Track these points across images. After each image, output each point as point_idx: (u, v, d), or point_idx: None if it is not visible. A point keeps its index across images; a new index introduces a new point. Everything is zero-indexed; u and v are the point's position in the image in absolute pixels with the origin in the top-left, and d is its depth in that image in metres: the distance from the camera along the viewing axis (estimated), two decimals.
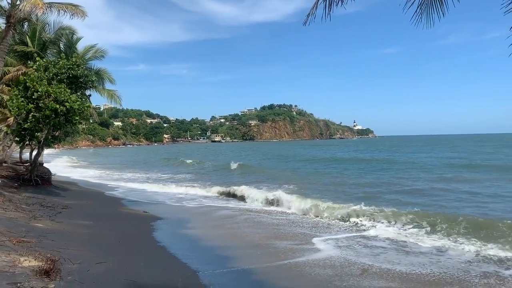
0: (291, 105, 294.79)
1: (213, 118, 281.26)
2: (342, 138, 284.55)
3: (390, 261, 10.26)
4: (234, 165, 41.62)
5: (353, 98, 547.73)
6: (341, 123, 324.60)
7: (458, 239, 12.07)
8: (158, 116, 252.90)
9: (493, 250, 10.72)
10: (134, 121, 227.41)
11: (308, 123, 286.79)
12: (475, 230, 12.47)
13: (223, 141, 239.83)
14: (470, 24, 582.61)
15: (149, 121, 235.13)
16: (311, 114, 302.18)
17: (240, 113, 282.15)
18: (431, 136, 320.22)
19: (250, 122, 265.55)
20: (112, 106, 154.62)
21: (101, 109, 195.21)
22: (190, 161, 53.79)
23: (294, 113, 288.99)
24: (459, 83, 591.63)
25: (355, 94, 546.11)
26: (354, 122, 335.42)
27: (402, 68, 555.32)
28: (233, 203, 20.23)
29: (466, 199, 19.32)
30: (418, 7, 4.63)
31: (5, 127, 22.35)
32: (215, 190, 24.48)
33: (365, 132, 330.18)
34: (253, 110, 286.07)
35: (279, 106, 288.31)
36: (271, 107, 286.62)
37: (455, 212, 15.45)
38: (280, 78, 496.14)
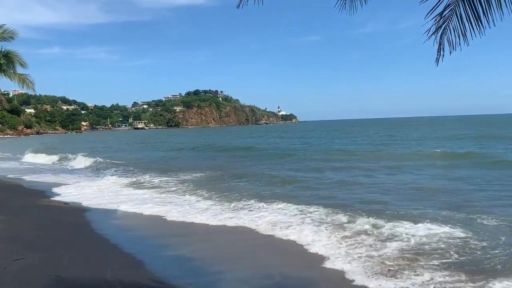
0: (217, 91, 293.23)
1: (135, 104, 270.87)
2: (267, 123, 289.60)
3: None
4: None
5: (278, 84, 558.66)
6: (266, 108, 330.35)
7: None
8: (75, 102, 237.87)
9: None
10: (48, 108, 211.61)
11: (234, 109, 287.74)
12: None
13: (147, 128, 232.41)
14: (387, 13, 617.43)
15: (65, 107, 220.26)
16: (237, 100, 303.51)
17: (164, 99, 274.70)
18: (351, 121, 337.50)
19: (175, 108, 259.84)
20: (23, 91, 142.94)
21: (10, 95, 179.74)
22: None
23: (220, 99, 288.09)
24: (379, 70, 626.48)
25: (279, 80, 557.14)
26: (279, 107, 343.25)
27: (324, 56, 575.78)
28: None
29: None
30: None
31: None
32: None
33: (289, 117, 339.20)
34: (178, 96, 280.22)
35: (205, 91, 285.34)
36: (196, 92, 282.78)
37: None
38: (205, 64, 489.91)
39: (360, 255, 8.74)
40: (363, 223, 11.09)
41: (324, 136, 77.11)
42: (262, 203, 14.56)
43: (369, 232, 10.33)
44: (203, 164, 31.97)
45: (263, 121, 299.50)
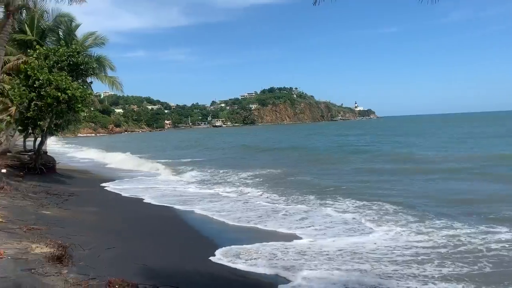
0: (291, 88, 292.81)
1: (213, 103, 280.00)
2: (343, 120, 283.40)
3: None
4: None
5: (354, 79, 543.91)
6: (342, 104, 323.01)
7: None
8: (158, 102, 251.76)
9: None
10: (135, 108, 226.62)
11: (309, 106, 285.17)
12: None
13: (224, 125, 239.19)
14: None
15: (150, 107, 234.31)
16: (311, 96, 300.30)
17: (240, 97, 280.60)
18: (433, 116, 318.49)
19: (250, 106, 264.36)
20: (113, 93, 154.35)
21: (102, 97, 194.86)
22: None
23: (295, 96, 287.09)
24: (464, 61, 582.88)
25: (356, 75, 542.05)
26: (356, 103, 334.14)
27: (404, 48, 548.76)
28: None
29: None
30: None
31: (7, 117, 22.33)
32: None
33: (366, 113, 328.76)
34: (253, 94, 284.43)
35: (279, 89, 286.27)
36: (271, 90, 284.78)
37: None
38: (280, 61, 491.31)
39: None
40: None
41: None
42: None
43: None
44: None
45: (339, 117, 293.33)
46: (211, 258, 8.99)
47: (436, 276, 7.93)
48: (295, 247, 9.87)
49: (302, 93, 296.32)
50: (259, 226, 12.31)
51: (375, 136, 68.31)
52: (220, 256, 9.12)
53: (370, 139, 59.32)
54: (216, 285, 7.65)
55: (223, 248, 9.72)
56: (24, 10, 21.55)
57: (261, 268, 8.41)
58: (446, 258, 8.86)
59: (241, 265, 8.58)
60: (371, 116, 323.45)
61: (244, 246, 9.92)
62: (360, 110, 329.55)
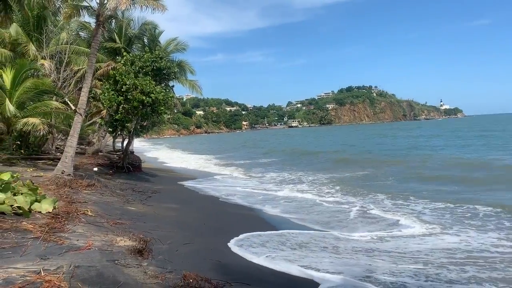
0: (370, 87, 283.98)
1: (289, 103, 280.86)
2: (427, 119, 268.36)
3: None
4: None
5: (440, 76, 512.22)
6: (426, 103, 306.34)
7: None
8: (236, 104, 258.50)
9: None
10: (214, 109, 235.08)
11: (389, 105, 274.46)
12: None
13: (300, 126, 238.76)
14: None
15: (228, 109, 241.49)
16: (393, 94, 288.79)
17: (316, 97, 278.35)
18: None
19: (327, 106, 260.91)
20: (194, 96, 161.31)
21: (184, 99, 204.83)
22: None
23: (374, 94, 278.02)
24: None
25: (441, 72, 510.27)
26: (441, 101, 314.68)
27: (496, 40, 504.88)
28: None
29: None
30: None
31: (100, 119, 24.28)
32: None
33: (453, 111, 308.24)
34: (330, 94, 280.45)
35: (358, 88, 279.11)
36: (349, 89, 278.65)
37: None
38: (359, 59, 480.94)
39: None
40: None
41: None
42: None
43: None
44: None
45: (423, 116, 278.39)
46: None
47: None
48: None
49: (383, 91, 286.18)
50: (334, 229, 12.05)
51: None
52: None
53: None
54: (290, 285, 7.61)
55: None
56: (113, 20, 23.24)
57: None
58: None
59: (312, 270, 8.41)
60: (458, 115, 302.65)
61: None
62: (445, 108, 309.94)
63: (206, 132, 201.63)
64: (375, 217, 13.55)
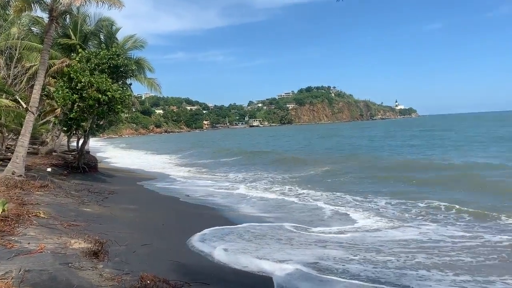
0: (329, 87, 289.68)
1: (250, 103, 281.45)
2: (383, 118, 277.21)
3: None
4: None
5: (395, 77, 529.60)
6: (382, 103, 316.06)
7: None
8: (197, 103, 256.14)
9: None
10: (174, 108, 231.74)
11: (347, 105, 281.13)
12: None
13: (261, 125, 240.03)
14: None
15: (189, 108, 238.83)
16: (350, 95, 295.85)
17: (277, 97, 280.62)
18: (480, 114, 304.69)
19: (287, 105, 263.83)
20: (153, 94, 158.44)
21: (143, 98, 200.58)
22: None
23: (333, 94, 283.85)
24: None
25: (397, 73, 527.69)
26: (396, 101, 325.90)
27: (447, 44, 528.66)
28: None
29: None
30: None
31: (53, 118, 23.40)
32: None
33: (407, 111, 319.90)
34: (291, 94, 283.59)
35: (317, 88, 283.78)
36: (308, 89, 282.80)
37: None
38: (318, 60, 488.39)
39: None
40: None
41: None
42: None
43: None
44: None
45: (379, 116, 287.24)
46: None
47: None
48: None
49: (341, 92, 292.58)
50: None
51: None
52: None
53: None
54: (243, 283, 7.67)
55: None
56: (68, 16, 22.42)
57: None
58: None
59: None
60: (412, 115, 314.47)
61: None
62: (400, 108, 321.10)
63: (166, 132, 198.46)
64: (335, 212, 13.99)
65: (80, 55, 21.13)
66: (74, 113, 19.81)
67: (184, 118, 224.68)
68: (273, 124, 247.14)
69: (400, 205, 14.58)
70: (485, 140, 44.59)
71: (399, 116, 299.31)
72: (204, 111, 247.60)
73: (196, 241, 9.99)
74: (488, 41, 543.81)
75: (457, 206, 13.55)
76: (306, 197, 16.99)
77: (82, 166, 21.71)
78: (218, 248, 9.36)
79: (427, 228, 11.44)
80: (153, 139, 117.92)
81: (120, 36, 28.69)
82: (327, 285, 7.39)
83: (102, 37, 27.82)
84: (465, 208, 13.20)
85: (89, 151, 26.10)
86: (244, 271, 8.03)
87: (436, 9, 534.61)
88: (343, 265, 8.39)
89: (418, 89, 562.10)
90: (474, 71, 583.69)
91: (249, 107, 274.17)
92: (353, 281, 7.48)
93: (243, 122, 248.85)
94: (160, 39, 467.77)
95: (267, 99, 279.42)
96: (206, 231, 11.03)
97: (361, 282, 7.45)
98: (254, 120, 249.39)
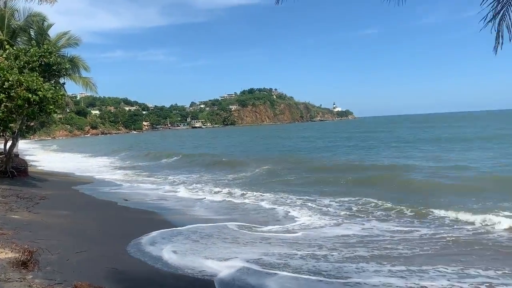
0: (271, 89, 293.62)
1: (192, 104, 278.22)
2: (322, 120, 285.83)
3: None
4: None
5: (333, 80, 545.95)
6: (321, 105, 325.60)
7: None
8: (136, 103, 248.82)
9: None
10: (112, 109, 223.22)
11: (288, 107, 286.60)
12: None
13: (204, 126, 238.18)
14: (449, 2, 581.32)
15: (127, 108, 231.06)
16: (291, 97, 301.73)
17: (220, 98, 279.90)
18: (411, 116, 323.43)
19: (230, 107, 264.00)
20: (89, 94, 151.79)
21: (78, 98, 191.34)
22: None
23: (275, 96, 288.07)
24: (441, 62, 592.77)
25: (335, 76, 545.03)
26: (334, 104, 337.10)
27: (383, 49, 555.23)
28: None
29: None
30: None
31: None
32: None
33: (344, 113, 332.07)
34: (233, 95, 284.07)
35: (259, 90, 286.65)
36: (251, 91, 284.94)
37: None
38: (260, 62, 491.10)
39: None
40: None
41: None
42: None
43: None
44: None
45: (318, 118, 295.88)
46: None
47: None
48: None
49: (282, 94, 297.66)
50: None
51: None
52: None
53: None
54: (180, 286, 7.61)
55: None
56: None
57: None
58: None
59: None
60: (349, 117, 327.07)
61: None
62: (338, 110, 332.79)
63: (102, 133, 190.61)
64: (279, 211, 14.37)
65: (7, 51, 19.78)
66: (1, 114, 18.48)
67: (122, 119, 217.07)
68: (216, 126, 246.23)
69: (342, 203, 15.21)
70: (413, 141, 47.79)
71: (336, 118, 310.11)
72: (144, 112, 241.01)
73: (136, 246, 9.75)
74: (417, 47, 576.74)
75: (389, 204, 14.35)
76: (250, 197, 17.17)
77: (11, 170, 20.30)
78: (161, 251, 9.25)
79: (367, 224, 12.08)
80: (89, 141, 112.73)
81: (53, 32, 27.28)
82: (267, 277, 7.68)
83: (32, 33, 26.29)
84: (401, 206, 13.94)
85: (18, 154, 24.46)
86: (184, 275, 7.95)
87: (372, 16, 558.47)
88: (285, 260, 8.71)
89: (354, 92, 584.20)
90: (406, 75, 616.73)
91: (191, 108, 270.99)
92: (295, 274, 7.82)
93: (185, 123, 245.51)
94: (98, 37, 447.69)
95: (209, 100, 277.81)
96: (146, 235, 10.78)
97: (302, 275, 7.79)
98: (196, 121, 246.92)
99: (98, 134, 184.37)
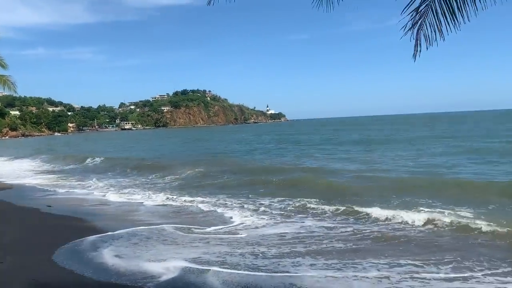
0: (205, 91, 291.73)
1: (122, 105, 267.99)
2: (256, 122, 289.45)
3: None
4: None
5: (267, 83, 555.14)
6: (255, 107, 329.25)
7: None
8: (61, 103, 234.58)
9: None
10: (34, 109, 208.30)
11: (222, 109, 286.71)
12: None
13: (134, 128, 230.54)
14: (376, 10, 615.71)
15: (51, 109, 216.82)
16: (225, 99, 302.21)
17: (151, 99, 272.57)
18: (341, 119, 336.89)
19: (162, 108, 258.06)
20: (7, 93, 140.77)
21: None
22: None
23: (209, 98, 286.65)
24: (372, 67, 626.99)
25: (268, 79, 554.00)
26: (267, 106, 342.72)
27: (314, 54, 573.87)
28: None
29: None
30: None
31: None
32: None
33: (277, 116, 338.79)
34: (166, 96, 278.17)
35: (193, 91, 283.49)
36: (184, 92, 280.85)
37: None
38: (193, 63, 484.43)
39: None
40: None
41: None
42: None
43: None
44: None
45: (252, 120, 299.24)
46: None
47: None
48: None
49: (216, 96, 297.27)
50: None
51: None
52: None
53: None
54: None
55: None
56: None
57: None
58: None
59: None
60: (282, 119, 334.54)
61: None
62: (271, 113, 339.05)
63: (23, 135, 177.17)
64: (216, 212, 14.34)
65: None
66: None
67: (45, 120, 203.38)
68: (147, 127, 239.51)
69: (279, 203, 15.40)
70: (343, 142, 49.96)
71: (270, 120, 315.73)
72: (69, 113, 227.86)
73: (63, 255, 9.17)
74: (351, 51, 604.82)
75: (322, 204, 14.83)
76: (187, 200, 16.77)
77: None
78: (91, 258, 8.83)
79: (305, 223, 12.36)
80: (7, 143, 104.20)
81: None
82: (204, 273, 7.92)
83: None
84: (336, 206, 14.38)
85: None
86: (116, 284, 7.58)
87: (303, 21, 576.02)
88: (223, 258, 8.85)
89: (287, 95, 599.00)
90: (341, 79, 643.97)
91: (120, 109, 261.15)
92: (234, 271, 8.07)
93: (114, 125, 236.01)
94: (16, 32, 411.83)
95: (140, 101, 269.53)
96: (73, 242, 10.21)
97: (239, 271, 8.04)
98: (126, 123, 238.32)
99: (18, 136, 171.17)
